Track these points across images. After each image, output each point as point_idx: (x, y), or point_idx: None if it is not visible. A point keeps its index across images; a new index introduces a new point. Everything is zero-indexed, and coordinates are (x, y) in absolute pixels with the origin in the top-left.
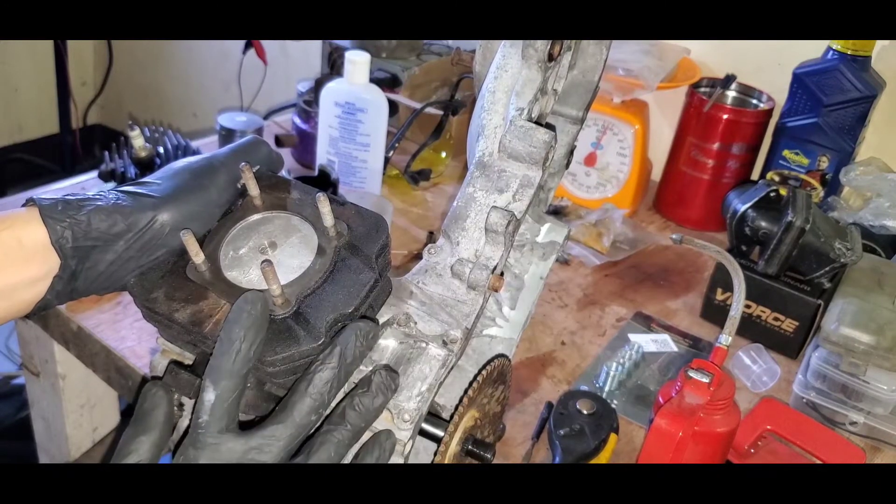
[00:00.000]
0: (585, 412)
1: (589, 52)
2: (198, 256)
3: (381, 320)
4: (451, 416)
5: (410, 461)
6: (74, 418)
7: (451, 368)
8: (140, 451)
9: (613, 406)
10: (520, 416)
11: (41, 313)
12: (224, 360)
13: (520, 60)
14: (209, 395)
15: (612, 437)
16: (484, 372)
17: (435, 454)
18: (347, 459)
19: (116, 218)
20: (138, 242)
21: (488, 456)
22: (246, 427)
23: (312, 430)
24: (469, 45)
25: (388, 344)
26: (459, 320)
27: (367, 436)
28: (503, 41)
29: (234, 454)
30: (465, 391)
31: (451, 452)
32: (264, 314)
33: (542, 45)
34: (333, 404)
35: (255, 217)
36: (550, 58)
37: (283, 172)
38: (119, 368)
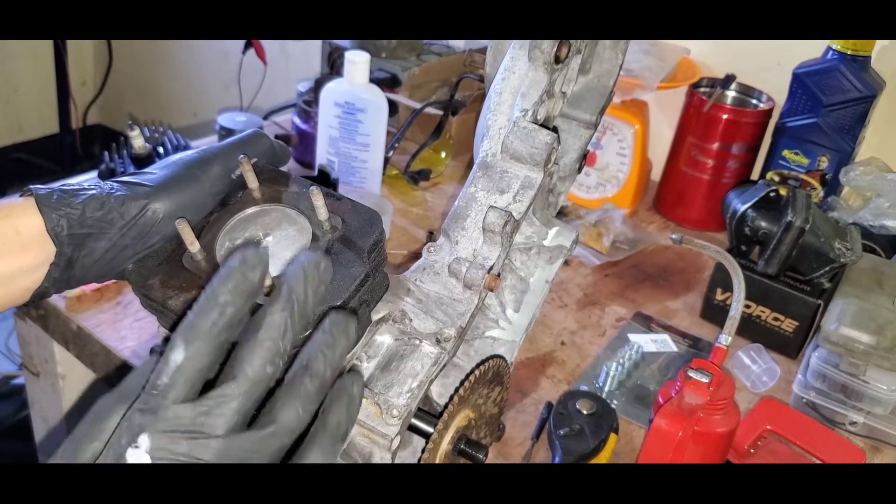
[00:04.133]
0: (585, 412)
1: (605, 57)
2: (193, 245)
3: (377, 316)
4: (440, 414)
5: (407, 460)
6: (74, 418)
7: (444, 367)
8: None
9: (613, 406)
10: (520, 416)
11: (40, 301)
12: (203, 319)
13: (527, 62)
14: (177, 356)
15: (612, 437)
16: (477, 371)
17: (423, 451)
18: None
19: (110, 206)
20: (132, 230)
21: (480, 456)
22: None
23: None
24: (474, 44)
25: (384, 340)
26: (454, 319)
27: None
28: (513, 43)
29: (182, 421)
30: (457, 389)
31: (442, 451)
32: (261, 281)
33: (548, 47)
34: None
35: (253, 209)
36: (557, 60)
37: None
38: (119, 368)
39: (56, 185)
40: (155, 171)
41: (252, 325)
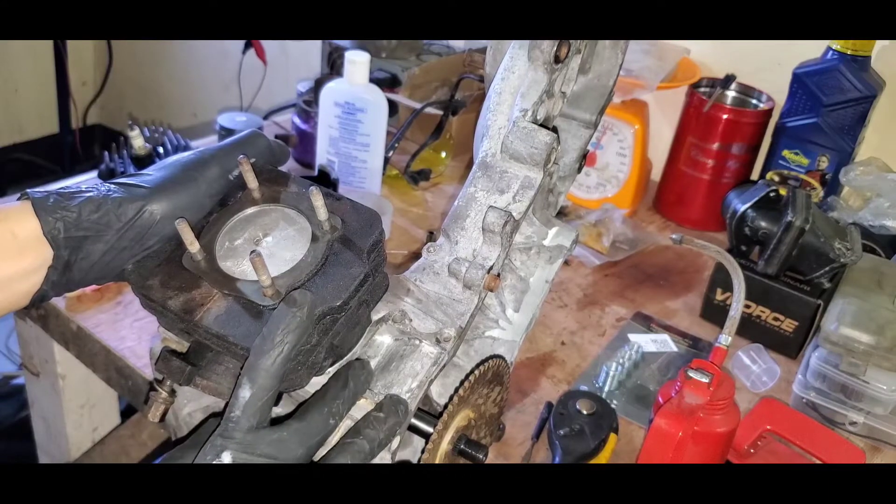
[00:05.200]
0: (585, 412)
1: (604, 56)
2: (193, 245)
3: (377, 316)
4: (440, 414)
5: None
6: (74, 418)
7: (444, 366)
8: (187, 461)
9: (613, 406)
10: (520, 416)
11: (40, 304)
12: (264, 360)
13: (527, 62)
14: (244, 393)
15: (612, 437)
16: (477, 371)
17: (423, 451)
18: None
19: (106, 209)
20: (130, 232)
21: (480, 456)
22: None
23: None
24: (474, 44)
25: (384, 340)
26: (454, 319)
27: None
28: (513, 43)
29: (258, 447)
30: (456, 390)
31: (442, 451)
32: (310, 318)
33: (547, 47)
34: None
35: (253, 209)
36: (557, 60)
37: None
38: (119, 368)
39: (53, 187)
40: (152, 173)
41: (322, 396)
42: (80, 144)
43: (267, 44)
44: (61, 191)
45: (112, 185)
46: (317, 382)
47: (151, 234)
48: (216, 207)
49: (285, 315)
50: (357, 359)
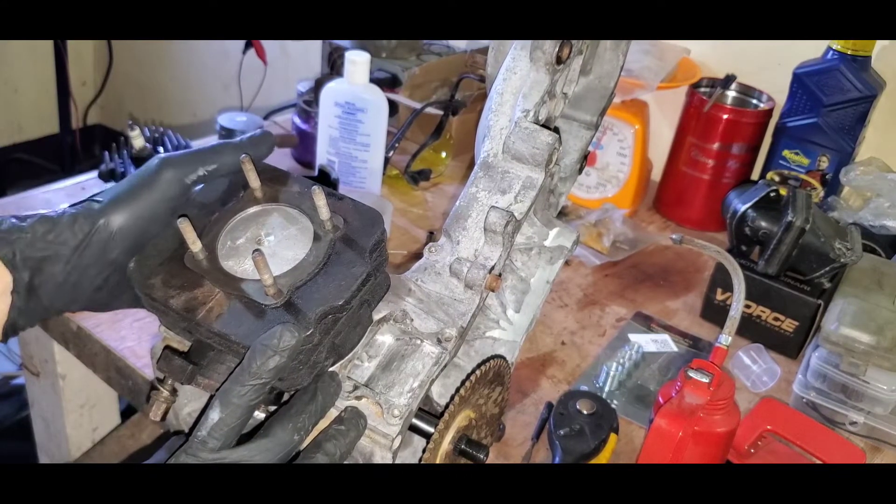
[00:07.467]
0: (585, 412)
1: (605, 58)
2: (195, 245)
3: (378, 316)
4: (441, 414)
5: (408, 460)
6: (74, 418)
7: (445, 366)
8: None
9: (613, 406)
10: (520, 416)
11: (13, 335)
12: (238, 389)
13: (528, 63)
14: (214, 415)
15: (612, 437)
16: (478, 371)
17: (424, 451)
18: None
19: (61, 227)
20: (89, 249)
21: (481, 456)
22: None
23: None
24: (475, 44)
25: (385, 340)
26: (455, 319)
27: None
28: (514, 43)
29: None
30: (457, 389)
31: (442, 451)
32: (293, 355)
33: (549, 48)
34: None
35: (255, 209)
36: (559, 60)
37: None
38: (119, 368)
39: (58, 193)
40: (112, 188)
41: (290, 412)
42: (80, 144)
43: (267, 44)
44: (15, 215)
45: (68, 208)
46: None
47: (112, 248)
48: (218, 207)
49: (268, 350)
50: (329, 371)
